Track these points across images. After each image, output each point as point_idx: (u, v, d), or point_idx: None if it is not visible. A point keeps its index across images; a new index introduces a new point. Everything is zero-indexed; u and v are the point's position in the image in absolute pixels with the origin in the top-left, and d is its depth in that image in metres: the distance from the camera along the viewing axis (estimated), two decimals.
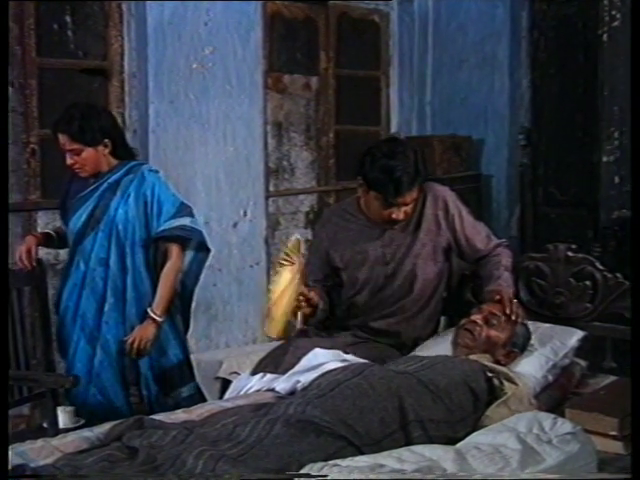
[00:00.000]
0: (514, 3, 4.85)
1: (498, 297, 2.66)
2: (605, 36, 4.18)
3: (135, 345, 2.92)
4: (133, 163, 3.03)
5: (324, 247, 2.93)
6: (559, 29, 4.70)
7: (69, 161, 2.93)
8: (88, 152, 2.93)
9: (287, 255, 2.64)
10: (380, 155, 2.73)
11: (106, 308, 2.96)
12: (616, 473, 2.02)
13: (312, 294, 2.73)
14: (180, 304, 3.09)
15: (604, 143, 3.44)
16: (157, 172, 3.12)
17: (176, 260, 2.99)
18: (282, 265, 2.65)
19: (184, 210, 3.02)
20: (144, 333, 2.93)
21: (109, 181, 2.98)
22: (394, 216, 2.77)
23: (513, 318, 2.61)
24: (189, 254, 3.05)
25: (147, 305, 2.96)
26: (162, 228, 2.96)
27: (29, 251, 3.03)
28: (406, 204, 2.76)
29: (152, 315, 2.94)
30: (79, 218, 2.98)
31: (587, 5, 4.49)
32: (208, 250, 3.12)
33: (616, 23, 4.16)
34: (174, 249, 2.99)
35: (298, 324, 2.78)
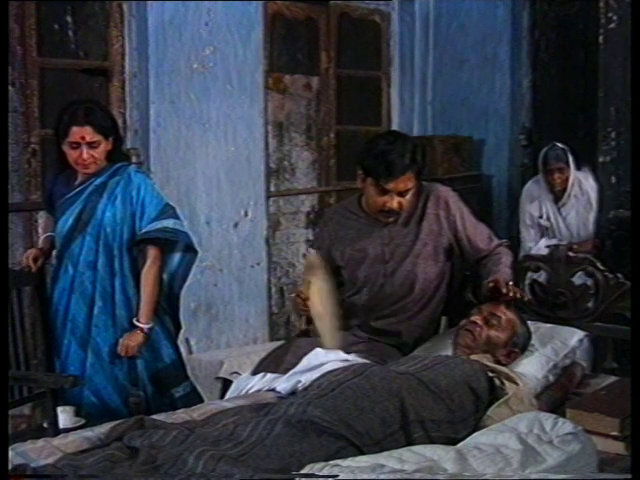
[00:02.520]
0: (515, 3, 4.87)
1: (492, 283, 2.65)
2: (601, 38, 4.23)
3: (123, 354, 2.93)
4: (119, 165, 2.97)
5: (326, 246, 2.93)
6: (560, 29, 4.73)
7: (85, 155, 2.85)
8: (104, 145, 2.89)
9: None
10: (378, 142, 2.76)
11: (95, 311, 2.95)
12: (617, 473, 2.01)
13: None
14: (168, 306, 3.07)
15: (601, 144, 3.47)
16: (144, 173, 3.09)
17: (152, 263, 2.95)
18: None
19: (167, 212, 2.98)
20: (130, 342, 2.93)
21: (95, 183, 2.93)
22: (388, 204, 2.75)
23: (511, 295, 2.60)
24: (176, 256, 3.02)
25: (136, 308, 2.96)
26: (144, 230, 2.93)
27: (35, 258, 3.03)
28: (400, 192, 2.74)
29: (137, 324, 2.94)
30: (66, 221, 2.95)
31: (588, 5, 4.51)
32: (195, 252, 3.08)
33: (612, 25, 4.21)
34: (152, 252, 2.95)
35: (301, 324, 2.78)
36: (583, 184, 4.39)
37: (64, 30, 3.95)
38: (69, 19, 3.96)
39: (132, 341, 2.93)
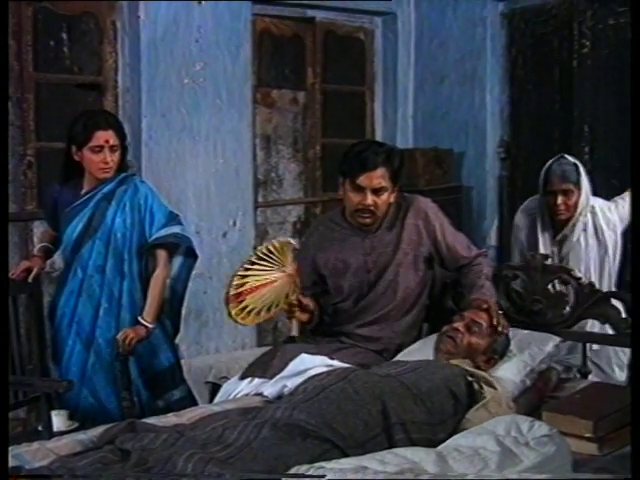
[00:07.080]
0: (493, 22, 4.91)
1: (486, 306, 2.69)
2: (575, 62, 4.36)
3: (126, 340, 2.94)
4: (124, 175, 3.08)
5: (311, 255, 2.97)
6: (536, 47, 4.76)
7: (108, 158, 2.95)
8: (120, 152, 3.01)
9: (273, 254, 2.68)
10: (355, 146, 2.86)
11: (101, 313, 3.01)
12: (590, 473, 2.05)
13: (307, 300, 2.78)
14: (169, 309, 3.14)
15: (575, 158, 3.57)
16: (147, 184, 3.18)
17: (164, 267, 3.05)
18: (264, 259, 2.68)
19: (174, 219, 3.10)
20: (136, 332, 2.97)
21: (103, 191, 3.03)
22: (362, 202, 2.78)
23: (499, 329, 2.64)
24: (178, 260, 3.11)
25: (140, 311, 3.02)
26: (156, 236, 3.03)
27: (27, 270, 3.09)
28: (374, 189, 2.77)
29: (143, 322, 3.00)
30: (75, 227, 3.03)
31: (562, 24, 4.60)
32: (196, 256, 3.18)
33: (585, 50, 4.36)
34: (163, 256, 3.05)
35: (294, 331, 2.84)
36: (598, 218, 3.22)
37: (59, 46, 4.00)
38: (64, 36, 4.00)
39: (135, 333, 2.96)
